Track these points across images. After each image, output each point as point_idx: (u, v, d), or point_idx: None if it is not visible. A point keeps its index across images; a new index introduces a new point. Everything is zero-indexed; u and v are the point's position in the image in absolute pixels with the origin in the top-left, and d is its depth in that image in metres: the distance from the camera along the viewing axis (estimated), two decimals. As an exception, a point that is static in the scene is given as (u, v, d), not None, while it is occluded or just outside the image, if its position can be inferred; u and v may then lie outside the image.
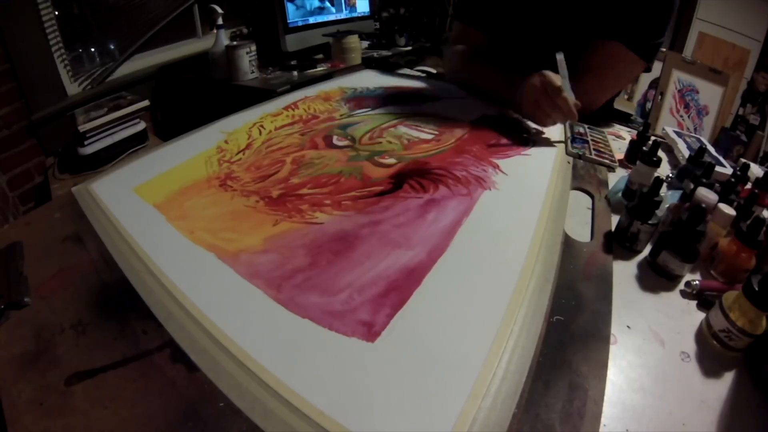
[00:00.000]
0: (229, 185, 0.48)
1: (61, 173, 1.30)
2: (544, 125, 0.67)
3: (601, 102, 0.75)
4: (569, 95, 0.62)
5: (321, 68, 1.76)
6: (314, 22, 1.84)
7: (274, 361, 0.28)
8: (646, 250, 0.42)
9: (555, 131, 0.66)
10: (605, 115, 0.83)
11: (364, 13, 2.11)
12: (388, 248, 0.39)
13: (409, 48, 2.13)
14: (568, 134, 0.64)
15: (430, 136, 0.62)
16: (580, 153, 0.59)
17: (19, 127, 1.32)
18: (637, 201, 0.41)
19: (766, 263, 0.39)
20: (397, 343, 0.30)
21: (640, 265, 0.41)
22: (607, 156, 0.60)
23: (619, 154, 0.62)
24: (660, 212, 0.42)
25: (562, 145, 0.62)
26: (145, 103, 1.40)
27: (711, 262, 0.41)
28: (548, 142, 0.63)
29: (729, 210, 0.41)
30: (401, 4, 2.28)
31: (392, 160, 0.54)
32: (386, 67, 1.05)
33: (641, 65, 0.71)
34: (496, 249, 0.40)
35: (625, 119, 1.33)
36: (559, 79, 0.63)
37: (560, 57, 0.64)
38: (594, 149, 0.61)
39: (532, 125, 0.68)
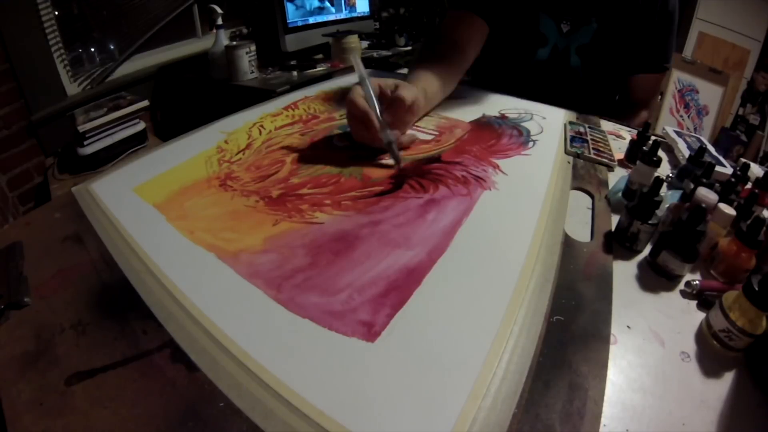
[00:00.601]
0: (229, 185, 0.48)
1: (60, 173, 1.30)
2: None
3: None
4: (374, 115, 0.52)
5: (321, 68, 1.76)
6: (314, 22, 1.84)
7: (274, 361, 0.28)
8: (646, 250, 0.42)
9: (555, 131, 0.66)
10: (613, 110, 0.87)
11: (363, 13, 2.11)
12: (388, 248, 0.39)
13: (409, 48, 2.13)
14: (568, 133, 0.64)
15: (430, 137, 0.62)
16: (579, 152, 0.60)
17: (19, 127, 1.32)
18: (637, 201, 0.41)
19: (766, 263, 0.39)
20: (397, 343, 0.30)
21: (640, 265, 0.41)
22: (606, 155, 0.60)
23: (619, 154, 0.62)
24: (660, 212, 0.42)
25: (562, 144, 0.62)
26: (145, 103, 1.40)
27: (711, 262, 0.41)
28: (548, 142, 0.63)
29: (729, 210, 0.41)
30: (401, 4, 2.28)
31: (392, 160, 0.54)
32: (386, 67, 1.05)
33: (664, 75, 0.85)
34: (496, 249, 0.40)
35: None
36: (362, 100, 0.53)
37: (355, 59, 0.57)
38: (593, 148, 0.61)
39: (532, 125, 0.68)
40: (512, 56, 0.84)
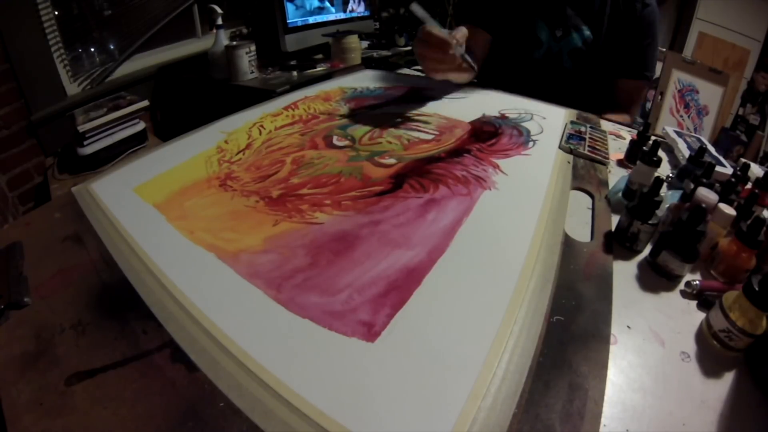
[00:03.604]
0: (229, 185, 0.48)
1: (60, 173, 1.30)
2: (438, 73, 0.71)
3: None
4: (448, 36, 0.65)
5: (321, 68, 1.75)
6: (314, 22, 1.84)
7: (274, 361, 0.28)
8: (646, 250, 0.42)
9: (555, 131, 0.66)
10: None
11: (363, 13, 2.11)
12: (388, 248, 0.39)
13: (409, 48, 2.12)
14: (568, 131, 0.64)
15: (430, 136, 0.62)
16: (573, 148, 0.60)
17: (19, 127, 1.32)
18: (637, 201, 0.41)
19: (766, 263, 0.39)
20: (397, 343, 0.30)
21: (640, 265, 0.41)
22: (600, 153, 0.60)
23: (619, 154, 0.62)
24: (660, 212, 0.42)
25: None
26: (145, 103, 1.39)
27: (711, 262, 0.41)
28: (548, 142, 0.63)
29: (729, 210, 0.41)
30: (401, 4, 2.28)
31: (392, 160, 0.54)
32: (386, 67, 1.05)
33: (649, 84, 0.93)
34: (496, 249, 0.40)
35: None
36: (436, 29, 0.66)
37: (414, 7, 0.68)
38: (589, 146, 0.61)
39: (532, 125, 0.68)
40: (511, 56, 0.92)
